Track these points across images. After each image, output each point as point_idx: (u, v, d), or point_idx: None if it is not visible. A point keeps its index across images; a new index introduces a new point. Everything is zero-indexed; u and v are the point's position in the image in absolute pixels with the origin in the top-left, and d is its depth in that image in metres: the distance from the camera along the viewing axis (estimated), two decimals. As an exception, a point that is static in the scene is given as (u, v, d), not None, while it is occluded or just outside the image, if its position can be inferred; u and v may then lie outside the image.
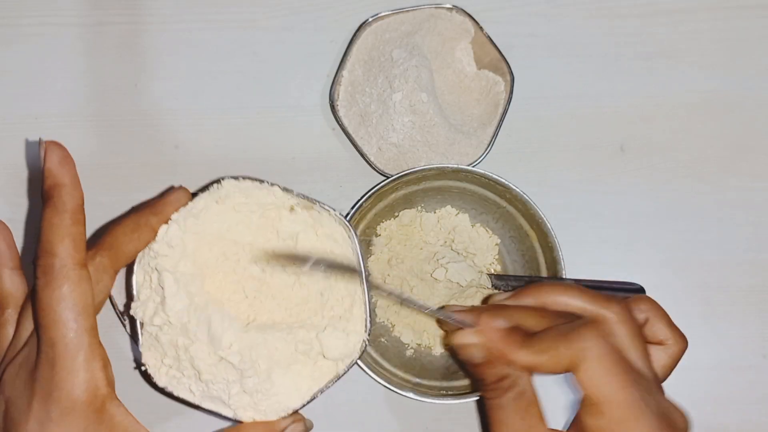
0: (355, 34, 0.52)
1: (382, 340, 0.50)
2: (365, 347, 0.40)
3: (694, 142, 0.53)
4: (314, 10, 0.55)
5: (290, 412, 0.39)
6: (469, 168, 0.47)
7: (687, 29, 0.54)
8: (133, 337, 0.47)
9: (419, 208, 0.52)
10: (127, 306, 0.38)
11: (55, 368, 0.32)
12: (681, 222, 0.52)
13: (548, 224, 0.46)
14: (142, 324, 0.38)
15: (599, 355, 0.33)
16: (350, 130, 0.51)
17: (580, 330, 0.34)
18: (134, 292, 0.38)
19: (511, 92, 0.51)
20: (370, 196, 0.47)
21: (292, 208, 0.40)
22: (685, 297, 0.51)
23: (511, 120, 0.51)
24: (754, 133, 0.53)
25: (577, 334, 0.34)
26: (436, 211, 0.52)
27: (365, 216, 0.50)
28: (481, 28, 0.52)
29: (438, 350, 0.50)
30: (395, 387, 0.46)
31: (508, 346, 0.34)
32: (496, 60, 0.52)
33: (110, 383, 0.34)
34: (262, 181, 0.40)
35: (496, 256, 0.51)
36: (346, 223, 0.40)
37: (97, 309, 0.35)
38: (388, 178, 0.47)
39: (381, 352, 0.49)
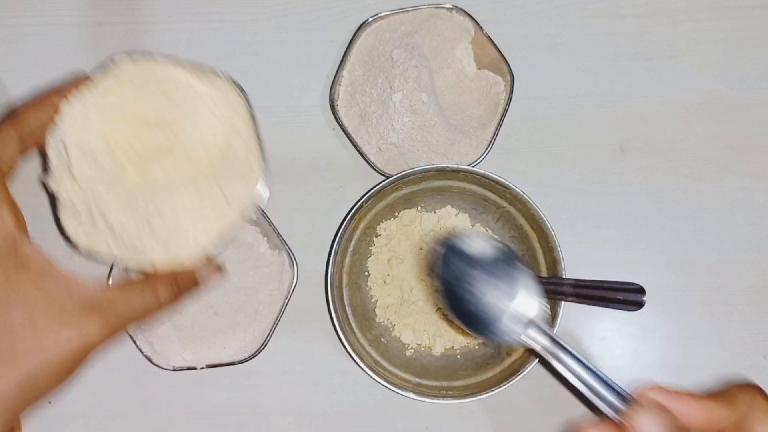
0: (355, 34, 0.52)
1: (383, 340, 0.50)
2: (264, 191, 0.42)
3: (694, 142, 0.53)
4: (314, 10, 0.55)
5: (201, 254, 0.41)
6: (469, 168, 0.47)
7: (687, 29, 0.54)
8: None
9: (419, 208, 0.52)
10: (44, 180, 0.41)
11: None
12: (681, 222, 0.52)
13: (548, 224, 0.46)
14: (58, 195, 0.40)
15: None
16: (350, 130, 0.51)
17: (742, 384, 0.34)
18: (49, 169, 0.41)
19: (511, 92, 0.51)
20: (370, 196, 0.47)
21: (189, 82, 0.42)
22: (685, 297, 0.51)
23: (511, 120, 0.51)
24: (754, 133, 0.53)
25: (743, 386, 0.33)
26: (436, 211, 0.52)
27: (365, 216, 0.50)
28: (481, 28, 0.52)
29: (438, 350, 0.50)
30: (395, 387, 0.46)
31: (683, 399, 0.32)
32: (496, 60, 0.52)
33: (21, 226, 0.37)
34: (154, 56, 0.42)
35: (496, 256, 0.51)
36: (238, 85, 0.42)
37: (6, 171, 0.38)
38: (388, 178, 0.47)
39: (381, 352, 0.49)
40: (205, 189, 0.41)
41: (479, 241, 0.40)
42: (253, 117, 0.43)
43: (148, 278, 0.40)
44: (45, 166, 0.41)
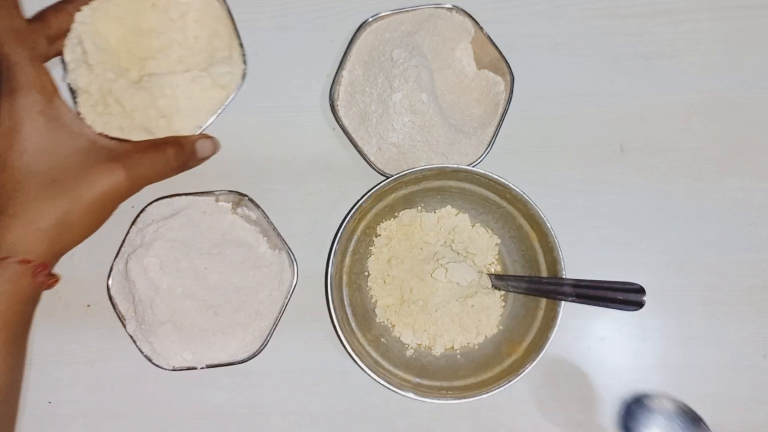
0: (355, 34, 0.52)
1: (382, 340, 0.50)
2: (245, 74, 0.52)
3: (694, 142, 0.53)
4: (314, 10, 0.55)
5: (198, 129, 0.50)
6: (469, 168, 0.47)
7: (687, 29, 0.54)
8: (131, 335, 0.48)
9: (419, 208, 0.52)
10: (64, 78, 0.50)
11: (14, 71, 0.44)
12: (681, 222, 0.52)
13: (548, 224, 0.46)
14: (77, 90, 0.49)
15: None
16: (350, 130, 0.51)
17: None
18: (67, 67, 0.49)
19: (511, 92, 0.51)
20: (370, 196, 0.47)
21: None
22: (685, 297, 0.51)
23: (511, 120, 0.51)
24: (754, 133, 0.53)
25: None
26: (436, 211, 0.52)
27: (365, 216, 0.50)
28: (481, 28, 0.52)
29: (438, 350, 0.50)
30: (395, 387, 0.46)
31: None
32: (496, 60, 0.52)
33: (55, 89, 0.46)
34: None
35: (496, 256, 0.51)
36: None
37: (42, 58, 0.46)
38: (388, 178, 0.47)
39: (381, 352, 0.49)
40: (196, 76, 0.50)
41: (663, 400, 0.48)
42: (231, 18, 0.52)
43: (159, 142, 0.48)
44: (64, 67, 0.49)
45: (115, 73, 0.49)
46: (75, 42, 0.49)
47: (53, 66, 0.49)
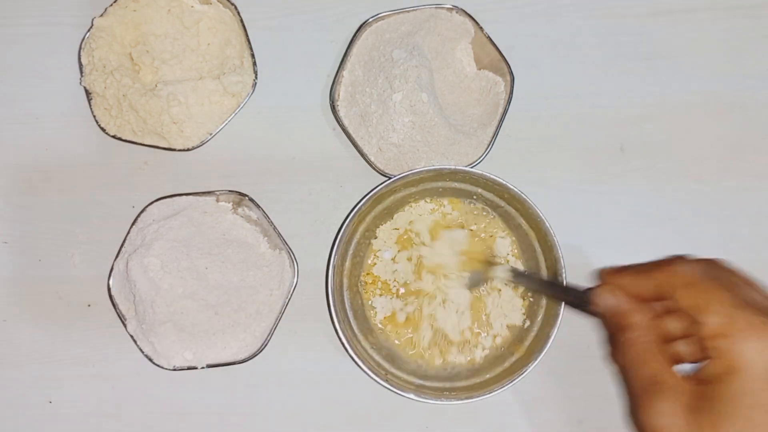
0: (355, 34, 0.52)
1: (384, 341, 0.50)
2: (255, 83, 0.52)
3: (694, 142, 0.53)
4: (314, 10, 0.55)
5: (208, 135, 0.51)
6: (466, 169, 0.47)
7: (687, 29, 0.54)
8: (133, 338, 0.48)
9: (419, 208, 0.52)
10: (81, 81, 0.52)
11: None
12: (681, 222, 0.52)
13: (546, 223, 0.46)
14: (92, 93, 0.51)
15: (694, 276, 0.36)
16: (350, 130, 0.51)
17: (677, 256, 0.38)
18: (83, 72, 0.51)
19: (511, 92, 0.51)
20: (368, 200, 0.47)
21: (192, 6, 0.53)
22: (685, 297, 0.51)
23: (511, 120, 0.51)
24: (754, 133, 0.53)
25: (677, 256, 0.38)
26: (436, 211, 0.52)
27: (364, 219, 0.49)
28: (481, 28, 0.52)
29: (438, 361, 0.50)
30: (396, 388, 0.45)
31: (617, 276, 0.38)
32: (496, 60, 0.52)
33: None
34: None
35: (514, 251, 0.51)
36: (231, 1, 0.52)
37: None
38: (388, 178, 0.47)
39: (383, 355, 0.49)
40: (208, 84, 0.51)
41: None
42: (244, 28, 0.52)
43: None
44: (81, 70, 0.51)
45: (131, 79, 0.50)
46: (92, 46, 0.50)
47: (71, 67, 0.50)
